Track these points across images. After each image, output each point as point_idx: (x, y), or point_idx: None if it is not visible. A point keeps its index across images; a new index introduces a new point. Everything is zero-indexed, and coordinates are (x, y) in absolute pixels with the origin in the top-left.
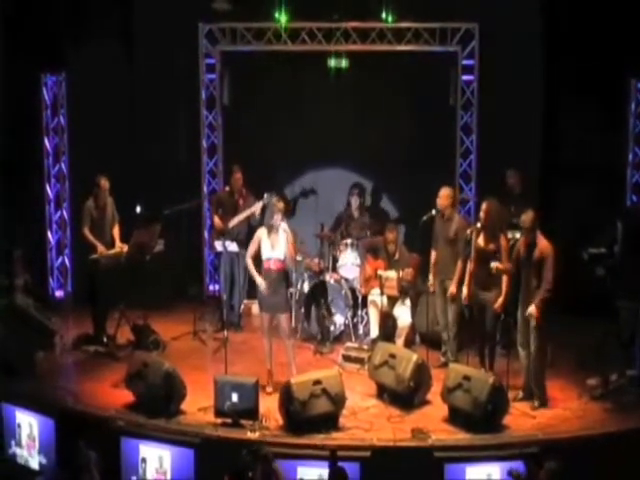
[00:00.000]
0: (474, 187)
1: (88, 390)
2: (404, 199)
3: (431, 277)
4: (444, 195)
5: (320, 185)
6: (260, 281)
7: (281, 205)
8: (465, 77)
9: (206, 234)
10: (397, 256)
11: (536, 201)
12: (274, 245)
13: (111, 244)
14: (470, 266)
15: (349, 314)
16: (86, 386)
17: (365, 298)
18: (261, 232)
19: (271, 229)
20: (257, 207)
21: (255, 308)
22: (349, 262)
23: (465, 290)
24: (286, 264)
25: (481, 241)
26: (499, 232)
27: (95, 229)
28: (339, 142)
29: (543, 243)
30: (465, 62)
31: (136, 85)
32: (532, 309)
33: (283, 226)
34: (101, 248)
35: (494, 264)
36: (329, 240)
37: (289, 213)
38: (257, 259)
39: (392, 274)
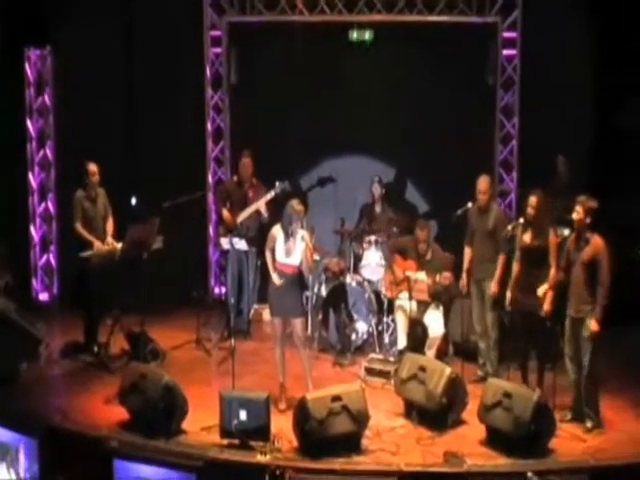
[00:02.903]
0: (516, 177)
1: (77, 406)
2: (435, 190)
3: (464, 277)
4: (484, 184)
5: (340, 174)
6: (275, 276)
7: (300, 209)
8: (506, 52)
9: (211, 230)
10: (429, 256)
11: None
12: (290, 252)
13: (104, 241)
14: (514, 267)
15: (373, 321)
16: (75, 401)
17: (391, 303)
18: (276, 231)
19: (288, 234)
20: (267, 198)
21: (266, 314)
22: (373, 262)
23: (508, 294)
24: (301, 269)
25: (527, 238)
26: (548, 228)
27: (86, 223)
28: (361, 126)
29: (596, 241)
30: (506, 34)
31: (133, 62)
32: (593, 325)
33: (301, 233)
34: (97, 244)
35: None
36: (350, 237)
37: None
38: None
39: (422, 276)
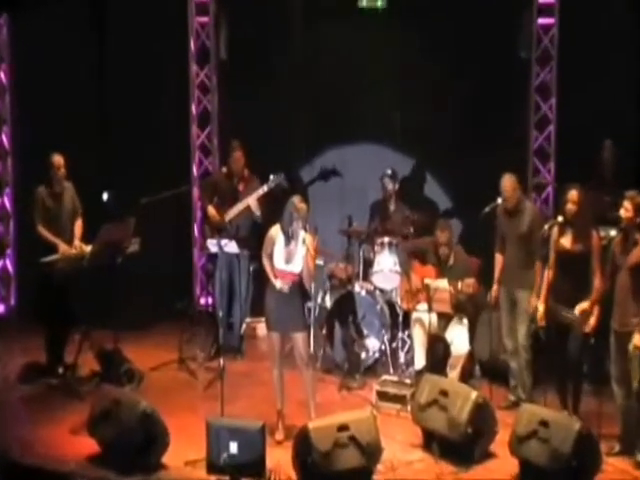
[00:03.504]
0: (553, 168)
1: (39, 437)
2: (459, 184)
3: (495, 287)
4: (508, 182)
5: (347, 166)
6: (280, 282)
7: (303, 207)
8: (542, 21)
9: (196, 230)
10: (451, 261)
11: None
12: (290, 258)
13: (71, 243)
14: (548, 274)
15: (386, 337)
16: (37, 432)
17: (407, 316)
18: (275, 233)
19: (288, 237)
20: (258, 193)
21: (261, 328)
22: (386, 268)
23: (541, 306)
24: (302, 279)
25: (566, 241)
26: (591, 229)
27: (50, 224)
28: (372, 109)
29: None
30: (542, 0)
31: (106, 34)
32: (638, 339)
33: (303, 235)
34: (63, 247)
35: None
36: (359, 238)
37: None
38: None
39: (444, 284)
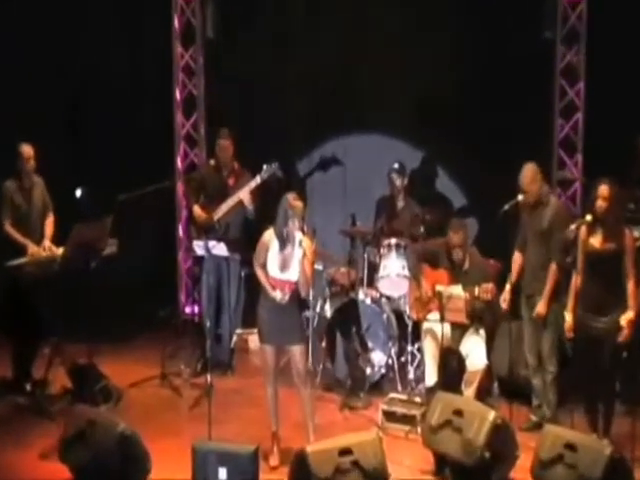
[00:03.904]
0: (581, 160)
1: (5, 462)
2: (475, 179)
3: (507, 288)
4: (529, 174)
5: (350, 157)
6: (279, 292)
7: (298, 205)
8: None
9: (181, 230)
10: (466, 265)
11: None
12: (286, 265)
13: (41, 244)
14: (576, 280)
15: (393, 350)
16: (2, 456)
17: (418, 326)
18: (269, 238)
19: (283, 240)
20: (251, 186)
21: (254, 340)
22: (394, 273)
23: (568, 315)
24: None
25: (595, 241)
26: (624, 227)
27: (19, 222)
28: (378, 94)
29: None
30: None
31: (82, 11)
32: None
33: (299, 238)
34: (33, 249)
35: None
36: (363, 239)
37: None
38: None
39: (458, 290)
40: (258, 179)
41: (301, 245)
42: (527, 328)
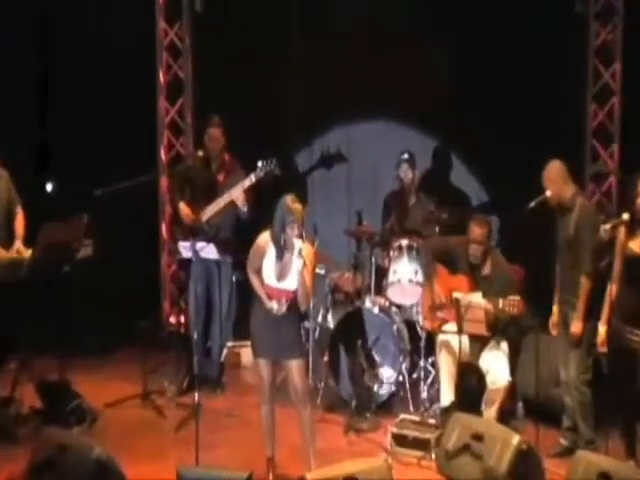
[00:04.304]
0: (617, 152)
1: None
2: (496, 173)
3: (554, 308)
4: (552, 171)
5: (355, 148)
6: (274, 305)
7: (297, 208)
8: None
9: (164, 230)
10: (487, 269)
11: None
12: (283, 274)
13: (8, 245)
14: (611, 288)
15: (404, 365)
16: None
17: (432, 338)
18: (264, 242)
19: (280, 248)
20: (244, 184)
21: (247, 354)
22: (405, 278)
23: (602, 327)
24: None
25: (635, 244)
26: None
27: None
28: (386, 76)
29: None
30: None
31: None
32: None
33: (299, 246)
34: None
35: None
36: (371, 240)
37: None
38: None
39: (478, 298)
40: (253, 178)
41: (301, 254)
42: (561, 341)
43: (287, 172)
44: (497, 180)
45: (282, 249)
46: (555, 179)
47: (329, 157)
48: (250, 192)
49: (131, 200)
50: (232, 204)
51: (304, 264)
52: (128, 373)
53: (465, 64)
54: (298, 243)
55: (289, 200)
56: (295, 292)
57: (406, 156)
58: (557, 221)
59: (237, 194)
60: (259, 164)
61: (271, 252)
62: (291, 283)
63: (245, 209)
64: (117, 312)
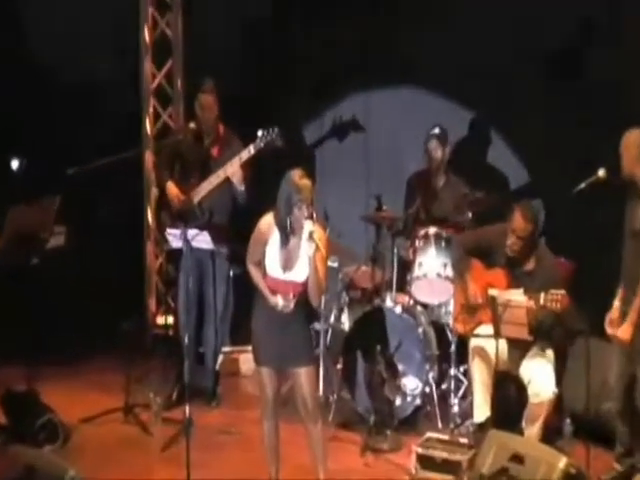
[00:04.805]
0: None
1: None
2: (539, 149)
3: (615, 304)
4: (633, 138)
5: (374, 119)
6: (279, 301)
7: (306, 184)
8: None
9: (149, 215)
10: (531, 264)
11: None
12: (290, 263)
13: None
14: None
15: (431, 375)
16: None
17: (464, 343)
18: (267, 226)
19: (286, 232)
20: (242, 157)
21: (246, 361)
22: (432, 272)
23: None
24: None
25: None
26: None
27: None
28: (410, 37)
29: None
30: None
31: None
32: None
33: (308, 228)
34: None
35: None
36: (392, 228)
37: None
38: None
39: (519, 296)
40: (252, 149)
41: (312, 238)
42: (618, 350)
43: (292, 148)
44: (540, 159)
45: (288, 233)
46: (630, 148)
47: (342, 126)
48: (248, 168)
49: (110, 180)
50: (227, 182)
51: (316, 249)
52: (107, 383)
53: (504, 32)
54: (308, 225)
55: (296, 176)
56: (304, 285)
57: (437, 131)
58: (626, 206)
59: (233, 170)
60: (259, 133)
61: (275, 238)
62: (299, 274)
63: (242, 188)
64: (94, 312)
